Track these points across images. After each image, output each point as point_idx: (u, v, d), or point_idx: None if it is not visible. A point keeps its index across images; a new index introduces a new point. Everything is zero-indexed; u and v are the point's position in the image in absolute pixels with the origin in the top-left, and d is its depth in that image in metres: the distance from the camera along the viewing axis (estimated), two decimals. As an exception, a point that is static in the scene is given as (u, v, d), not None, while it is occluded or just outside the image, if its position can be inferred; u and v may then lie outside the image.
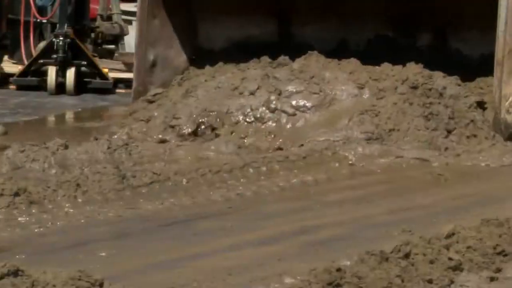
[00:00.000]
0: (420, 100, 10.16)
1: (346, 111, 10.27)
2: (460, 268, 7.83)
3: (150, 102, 11.19)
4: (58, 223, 9.09)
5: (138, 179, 10.36)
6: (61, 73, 16.69)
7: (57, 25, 16.56)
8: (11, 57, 18.39)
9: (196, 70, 11.31)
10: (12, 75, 17.92)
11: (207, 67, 11.01)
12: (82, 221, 9.25)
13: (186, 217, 9.84)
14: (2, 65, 19.60)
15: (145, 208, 10.01)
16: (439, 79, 10.27)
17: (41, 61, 17.25)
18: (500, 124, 9.87)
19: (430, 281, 7.56)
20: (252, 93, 10.47)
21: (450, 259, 7.97)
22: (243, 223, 9.78)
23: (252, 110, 10.40)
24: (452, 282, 7.60)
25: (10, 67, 18.81)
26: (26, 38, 18.26)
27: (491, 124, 10.03)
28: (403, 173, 10.79)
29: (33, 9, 16.92)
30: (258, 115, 10.40)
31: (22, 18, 16.75)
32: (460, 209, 9.85)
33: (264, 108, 10.38)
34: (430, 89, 10.16)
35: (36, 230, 8.85)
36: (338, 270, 7.35)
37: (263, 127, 10.40)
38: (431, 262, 7.87)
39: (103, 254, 8.18)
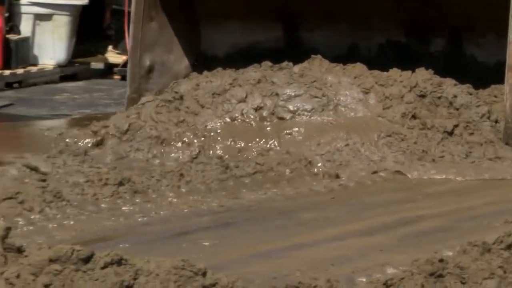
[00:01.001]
0: (428, 108, 10.06)
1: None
2: None
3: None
4: (162, 212, 9.23)
5: (241, 169, 10.35)
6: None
7: None
8: (115, 47, 18.42)
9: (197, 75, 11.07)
10: (116, 65, 18.11)
11: (205, 72, 10.92)
12: (185, 210, 9.36)
13: (289, 208, 9.84)
14: (106, 55, 20.01)
15: (248, 198, 10.07)
16: (450, 87, 10.19)
17: (145, 51, 16.51)
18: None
19: None
20: (243, 99, 10.36)
21: None
22: (346, 214, 9.83)
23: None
24: None
25: (115, 57, 19.03)
26: (131, 28, 18.06)
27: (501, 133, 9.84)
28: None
29: None
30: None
31: (126, 9, 16.07)
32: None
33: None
34: (439, 97, 10.13)
35: (139, 220, 8.98)
36: (441, 260, 7.28)
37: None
38: None
39: (206, 243, 8.28)
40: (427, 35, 10.89)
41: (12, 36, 17.06)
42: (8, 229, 6.72)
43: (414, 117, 9.70)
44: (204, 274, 6.45)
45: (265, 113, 10.00)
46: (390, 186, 10.57)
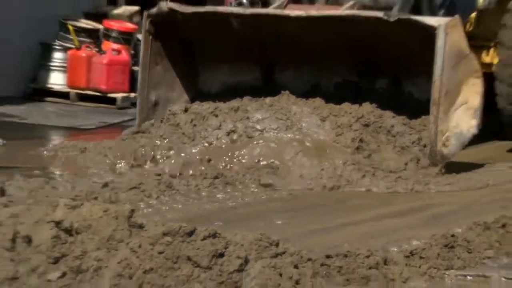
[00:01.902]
0: (371, 135, 9.82)
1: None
2: None
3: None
4: (246, 199, 9.30)
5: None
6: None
7: None
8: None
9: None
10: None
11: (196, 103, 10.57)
12: (263, 197, 9.38)
13: (339, 197, 9.71)
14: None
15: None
16: (389, 118, 9.88)
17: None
18: (437, 156, 9.49)
19: None
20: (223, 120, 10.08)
21: None
22: (382, 201, 9.64)
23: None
24: None
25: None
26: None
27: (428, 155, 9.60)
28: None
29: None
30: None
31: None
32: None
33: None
34: (380, 127, 9.83)
35: (230, 204, 9.04)
36: (452, 235, 7.48)
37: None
38: None
39: (279, 222, 8.35)
40: (374, 76, 10.57)
41: (136, 68, 17.12)
42: (132, 211, 6.86)
43: (361, 141, 9.46)
44: (277, 245, 6.56)
45: (239, 130, 9.79)
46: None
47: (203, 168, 9.55)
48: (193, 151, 9.69)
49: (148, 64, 10.55)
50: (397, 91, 10.34)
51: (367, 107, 9.85)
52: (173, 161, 9.78)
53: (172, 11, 10.34)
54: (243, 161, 9.59)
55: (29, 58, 13.86)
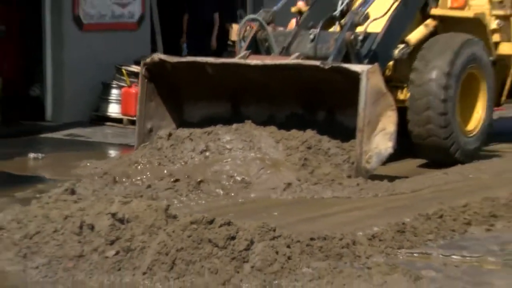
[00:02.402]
0: (313, 156, 9.53)
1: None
2: (471, 223, 7.79)
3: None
4: (252, 195, 9.12)
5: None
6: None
7: None
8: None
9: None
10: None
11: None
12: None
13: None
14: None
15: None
16: (326, 142, 9.58)
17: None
18: (362, 170, 9.26)
19: (453, 231, 7.59)
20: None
21: (464, 218, 7.94)
22: (337, 202, 9.19)
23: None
24: (466, 231, 7.66)
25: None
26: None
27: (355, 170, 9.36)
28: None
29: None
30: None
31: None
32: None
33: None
34: (319, 149, 9.52)
35: (240, 200, 8.90)
36: (403, 223, 7.56)
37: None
38: (454, 219, 7.86)
39: (275, 213, 8.26)
40: (314, 109, 10.16)
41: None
42: (168, 205, 6.98)
43: (305, 159, 9.19)
44: (274, 230, 6.61)
45: (212, 148, 9.49)
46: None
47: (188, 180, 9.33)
48: (174, 167, 9.50)
49: (144, 100, 10.30)
50: (332, 121, 10.04)
51: (309, 133, 9.63)
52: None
53: (161, 60, 10.18)
54: (216, 173, 9.33)
55: (94, 93, 13.82)
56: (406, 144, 10.02)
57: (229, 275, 5.98)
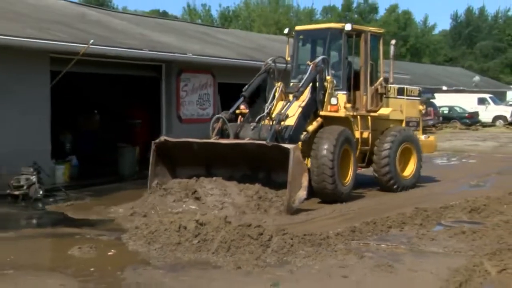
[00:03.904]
0: (259, 199, 9.24)
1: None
2: (392, 227, 8.23)
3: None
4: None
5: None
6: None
7: None
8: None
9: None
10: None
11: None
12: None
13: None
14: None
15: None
16: (269, 192, 9.30)
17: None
18: (291, 208, 9.01)
19: (382, 231, 8.02)
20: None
21: (388, 223, 8.30)
22: (341, 210, 9.82)
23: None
24: (388, 231, 8.08)
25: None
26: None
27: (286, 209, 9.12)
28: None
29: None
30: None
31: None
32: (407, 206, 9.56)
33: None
34: (266, 197, 9.26)
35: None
36: (354, 226, 7.88)
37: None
38: (382, 224, 8.26)
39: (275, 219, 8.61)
40: (258, 171, 9.81)
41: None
42: (226, 216, 7.43)
43: (258, 204, 9.11)
44: (284, 230, 7.15)
45: (200, 193, 9.23)
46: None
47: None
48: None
49: (154, 166, 9.98)
50: (269, 178, 9.69)
51: (257, 187, 9.39)
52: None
53: (165, 140, 10.06)
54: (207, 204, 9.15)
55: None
56: (310, 191, 10.03)
57: (259, 254, 6.58)
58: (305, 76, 10.95)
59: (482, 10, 71.73)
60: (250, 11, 59.65)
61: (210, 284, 5.79)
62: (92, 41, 11.91)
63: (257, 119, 10.65)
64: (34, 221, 9.03)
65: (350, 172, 11.01)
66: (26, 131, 11.50)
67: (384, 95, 12.43)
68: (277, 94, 11.02)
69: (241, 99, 10.93)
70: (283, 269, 6.18)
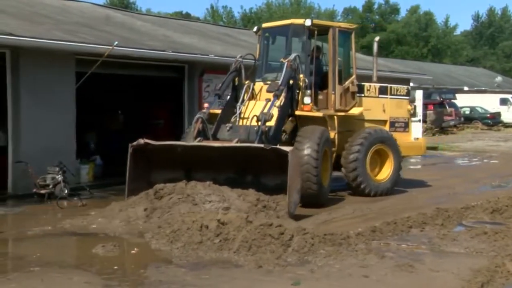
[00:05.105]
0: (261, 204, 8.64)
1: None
2: (412, 227, 8.25)
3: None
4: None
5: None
6: None
7: None
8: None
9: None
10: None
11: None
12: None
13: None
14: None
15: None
16: (251, 196, 8.62)
17: None
18: (289, 212, 8.43)
19: (402, 231, 8.04)
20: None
21: (408, 224, 8.31)
22: (359, 208, 9.88)
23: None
24: (409, 231, 8.08)
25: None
26: None
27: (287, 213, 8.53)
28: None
29: None
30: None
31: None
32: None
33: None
34: (265, 205, 8.58)
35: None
36: (374, 226, 7.93)
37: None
38: (402, 224, 8.29)
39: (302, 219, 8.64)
40: (245, 174, 9.42)
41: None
42: (248, 216, 7.37)
43: (256, 206, 8.49)
44: (304, 229, 7.12)
45: (197, 199, 8.54)
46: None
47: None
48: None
49: (132, 170, 9.36)
50: (258, 182, 9.23)
51: (251, 192, 8.76)
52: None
53: (146, 143, 9.40)
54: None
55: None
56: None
57: (280, 253, 6.55)
58: (282, 74, 10.50)
59: (504, 10, 71.57)
60: (271, 13, 59.95)
61: (232, 282, 5.80)
62: (116, 42, 12.04)
63: (232, 119, 10.42)
64: (59, 219, 9.13)
65: (328, 175, 10.55)
66: (52, 131, 11.64)
67: (357, 94, 11.76)
68: (248, 93, 10.79)
69: (216, 97, 10.67)
70: (304, 268, 6.19)
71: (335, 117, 11.26)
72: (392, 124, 12.47)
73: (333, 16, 62.38)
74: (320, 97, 11.46)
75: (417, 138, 13.08)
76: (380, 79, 12.98)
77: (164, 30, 17.80)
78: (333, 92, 11.38)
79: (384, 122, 12.39)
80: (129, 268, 6.37)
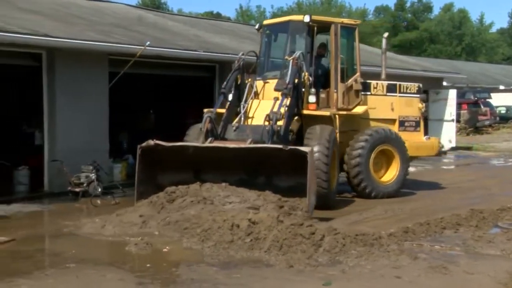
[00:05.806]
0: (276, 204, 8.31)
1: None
2: (446, 228, 8.17)
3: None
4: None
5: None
6: None
7: None
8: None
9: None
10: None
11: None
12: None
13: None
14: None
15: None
16: (271, 196, 8.37)
17: None
18: (309, 214, 8.18)
19: (436, 232, 7.94)
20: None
21: (442, 225, 8.27)
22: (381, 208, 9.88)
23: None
24: (442, 232, 7.99)
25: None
26: None
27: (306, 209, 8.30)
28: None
29: None
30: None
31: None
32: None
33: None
34: (290, 207, 8.32)
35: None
36: (407, 227, 7.86)
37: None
38: (436, 225, 8.21)
39: (331, 219, 8.63)
40: (256, 176, 9.13)
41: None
42: (278, 216, 7.35)
43: (277, 206, 8.20)
44: (335, 229, 7.15)
45: (215, 201, 8.34)
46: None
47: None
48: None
49: (141, 172, 9.07)
50: (270, 183, 8.97)
51: (269, 193, 8.52)
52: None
53: (156, 144, 9.10)
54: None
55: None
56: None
57: (311, 253, 6.57)
58: (289, 73, 10.23)
59: (542, 6, 69.64)
60: (302, 12, 60.01)
61: (262, 282, 5.83)
62: (148, 42, 12.13)
63: (238, 118, 10.28)
64: (93, 217, 9.20)
65: (336, 176, 10.31)
66: (86, 131, 11.80)
67: (362, 92, 11.43)
68: (251, 92, 10.57)
69: (222, 96, 10.50)
70: (335, 269, 6.18)
71: (337, 116, 10.95)
72: (402, 123, 12.10)
73: (364, 15, 61.75)
74: (322, 95, 11.18)
75: (429, 138, 12.69)
76: (411, 78, 12.75)
77: (195, 30, 17.88)
78: (335, 90, 11.11)
79: (392, 121, 12.01)
80: (161, 266, 6.42)
